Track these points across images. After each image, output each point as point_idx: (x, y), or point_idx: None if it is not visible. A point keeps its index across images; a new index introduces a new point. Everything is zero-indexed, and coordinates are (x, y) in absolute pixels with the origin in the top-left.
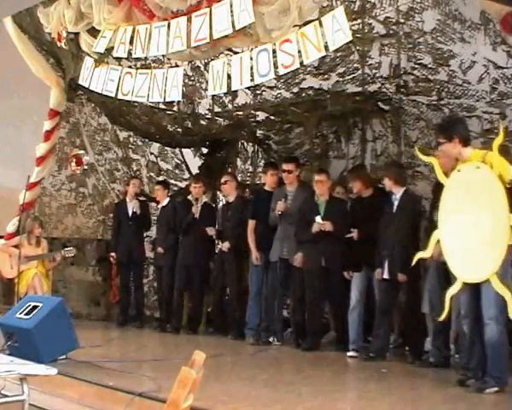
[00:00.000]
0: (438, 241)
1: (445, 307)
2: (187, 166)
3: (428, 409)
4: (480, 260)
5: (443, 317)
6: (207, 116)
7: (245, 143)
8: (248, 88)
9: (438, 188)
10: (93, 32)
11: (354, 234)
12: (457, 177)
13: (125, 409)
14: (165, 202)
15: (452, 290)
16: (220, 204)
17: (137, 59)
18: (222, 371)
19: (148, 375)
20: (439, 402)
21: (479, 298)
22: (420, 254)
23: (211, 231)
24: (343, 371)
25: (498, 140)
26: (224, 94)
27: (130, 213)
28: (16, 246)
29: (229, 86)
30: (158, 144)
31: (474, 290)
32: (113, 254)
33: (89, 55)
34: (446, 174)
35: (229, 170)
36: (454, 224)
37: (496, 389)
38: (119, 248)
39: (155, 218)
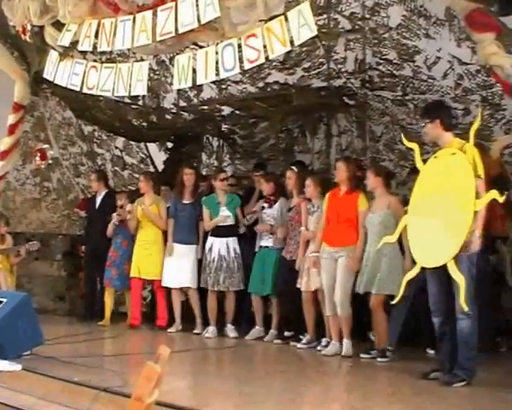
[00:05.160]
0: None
1: (400, 291)
2: (152, 160)
3: (398, 402)
4: (441, 245)
5: (396, 300)
6: (173, 110)
7: (210, 138)
8: (214, 82)
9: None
10: (58, 26)
11: None
12: (434, 163)
13: (90, 404)
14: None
15: (409, 275)
16: None
17: (103, 53)
18: (191, 366)
19: (113, 370)
20: (409, 395)
21: (448, 292)
22: (386, 239)
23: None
24: (312, 366)
25: (475, 126)
26: (190, 88)
27: (96, 207)
28: None
29: (194, 80)
30: (123, 139)
31: (443, 284)
32: (81, 247)
33: (54, 48)
34: None
35: (195, 164)
36: (422, 208)
37: (464, 382)
38: (88, 242)
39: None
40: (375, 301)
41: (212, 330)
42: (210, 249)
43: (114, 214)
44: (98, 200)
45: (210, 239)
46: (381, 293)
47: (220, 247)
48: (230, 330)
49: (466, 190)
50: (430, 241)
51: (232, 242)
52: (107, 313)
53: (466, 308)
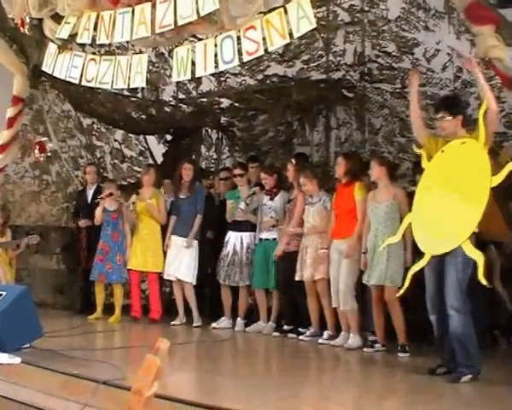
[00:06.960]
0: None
1: (406, 282)
2: (151, 153)
3: (402, 396)
4: (454, 228)
5: (401, 292)
6: (171, 103)
7: (209, 130)
8: (213, 75)
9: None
10: (57, 18)
11: None
12: (440, 157)
13: (89, 397)
14: None
15: (417, 267)
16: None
17: (101, 45)
18: (190, 358)
19: (113, 363)
20: (412, 391)
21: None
22: (389, 240)
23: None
24: (309, 361)
25: (482, 108)
26: (189, 81)
27: (89, 201)
28: None
29: (193, 73)
30: (122, 131)
31: (438, 279)
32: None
33: (52, 41)
34: None
35: (194, 157)
36: (428, 202)
37: (470, 377)
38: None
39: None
40: (389, 293)
41: (223, 320)
42: (227, 243)
43: (101, 197)
44: (90, 193)
45: (228, 233)
46: (395, 285)
47: (235, 241)
48: (240, 325)
49: (480, 171)
50: (439, 230)
51: (246, 237)
52: (99, 307)
53: (485, 282)
